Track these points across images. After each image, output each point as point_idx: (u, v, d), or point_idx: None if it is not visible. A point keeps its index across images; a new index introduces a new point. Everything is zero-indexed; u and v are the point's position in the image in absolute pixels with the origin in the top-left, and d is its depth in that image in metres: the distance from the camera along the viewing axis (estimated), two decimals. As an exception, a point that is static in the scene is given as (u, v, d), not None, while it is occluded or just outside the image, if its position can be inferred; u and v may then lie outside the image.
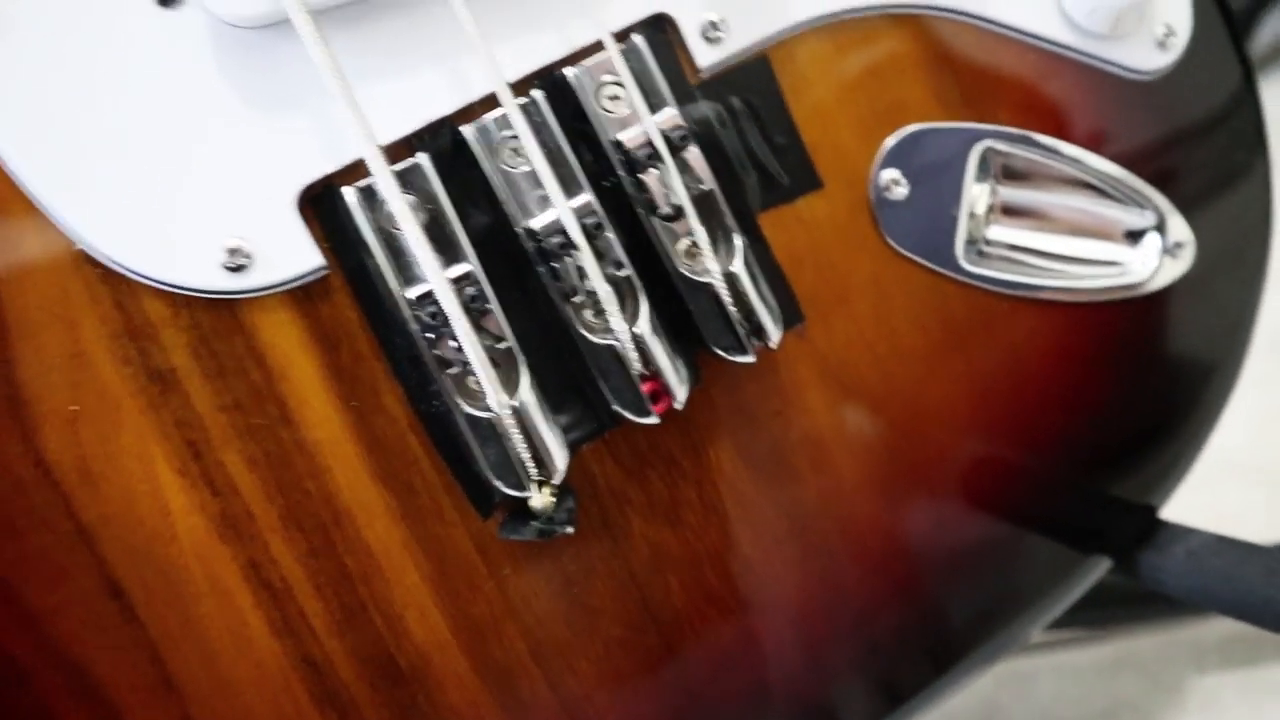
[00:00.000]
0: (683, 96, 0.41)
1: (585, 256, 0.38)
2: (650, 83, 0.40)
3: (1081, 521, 0.51)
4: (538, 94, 0.39)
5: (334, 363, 0.38)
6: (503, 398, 0.38)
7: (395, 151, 0.38)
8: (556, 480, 0.39)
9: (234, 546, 0.38)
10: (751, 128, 0.42)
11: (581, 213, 0.39)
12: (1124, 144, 0.48)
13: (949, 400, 0.46)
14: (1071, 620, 0.54)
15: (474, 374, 0.37)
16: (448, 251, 0.38)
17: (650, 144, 0.39)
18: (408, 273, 0.37)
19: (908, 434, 0.45)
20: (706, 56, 0.42)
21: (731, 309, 0.40)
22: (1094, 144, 0.47)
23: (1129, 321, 0.49)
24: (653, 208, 0.40)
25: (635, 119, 0.39)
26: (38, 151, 0.35)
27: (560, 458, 0.39)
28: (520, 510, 0.40)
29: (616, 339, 0.39)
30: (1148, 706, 0.65)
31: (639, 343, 0.39)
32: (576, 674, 0.42)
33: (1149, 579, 0.52)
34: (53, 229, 0.35)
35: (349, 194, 0.37)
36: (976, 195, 0.46)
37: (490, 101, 0.39)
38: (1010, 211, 0.47)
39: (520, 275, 0.39)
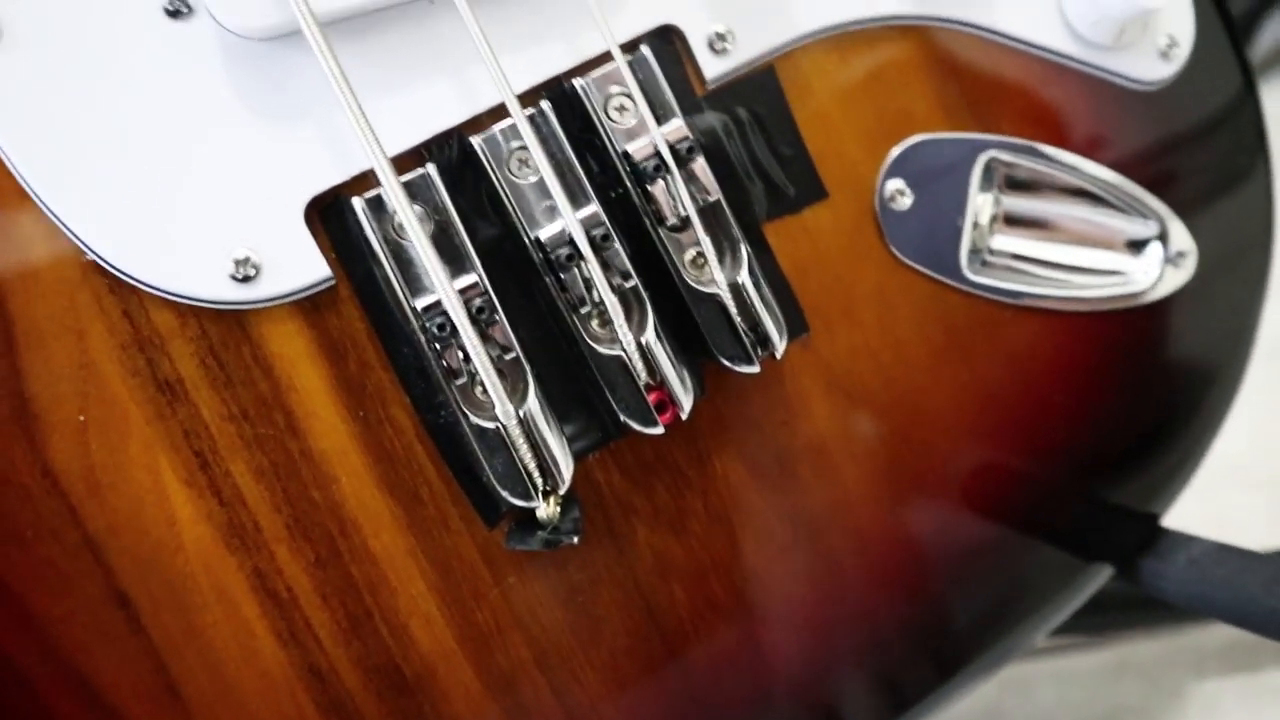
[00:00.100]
0: (689, 107, 0.41)
1: (592, 267, 0.39)
2: (657, 94, 0.40)
3: (1084, 529, 0.51)
4: (546, 105, 0.39)
5: (341, 373, 0.38)
6: (509, 408, 0.38)
7: (403, 162, 0.38)
8: (562, 490, 0.39)
9: (240, 556, 0.38)
10: (758, 138, 0.43)
11: (589, 223, 0.39)
12: (1126, 153, 0.48)
13: (953, 409, 0.46)
14: (1073, 626, 0.54)
15: (481, 384, 0.38)
16: (455, 262, 0.38)
17: (657, 155, 0.39)
18: (415, 283, 0.37)
19: (912, 443, 0.46)
20: (713, 68, 0.42)
21: (737, 319, 0.40)
22: (1097, 153, 0.47)
23: (1131, 330, 0.49)
24: (660, 218, 0.40)
25: (642, 130, 0.40)
26: (47, 162, 0.35)
27: (566, 467, 0.39)
28: (526, 520, 0.40)
29: (623, 349, 0.39)
30: (1149, 712, 0.65)
31: (645, 353, 0.39)
32: (581, 683, 0.42)
33: (1151, 586, 0.52)
34: (62, 239, 0.35)
35: (357, 204, 0.37)
36: (981, 205, 0.46)
37: (498, 112, 0.39)
38: (1013, 221, 0.47)
39: (527, 286, 0.39)
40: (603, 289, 0.39)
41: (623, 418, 0.40)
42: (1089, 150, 0.47)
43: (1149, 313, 0.49)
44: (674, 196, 0.40)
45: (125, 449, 0.36)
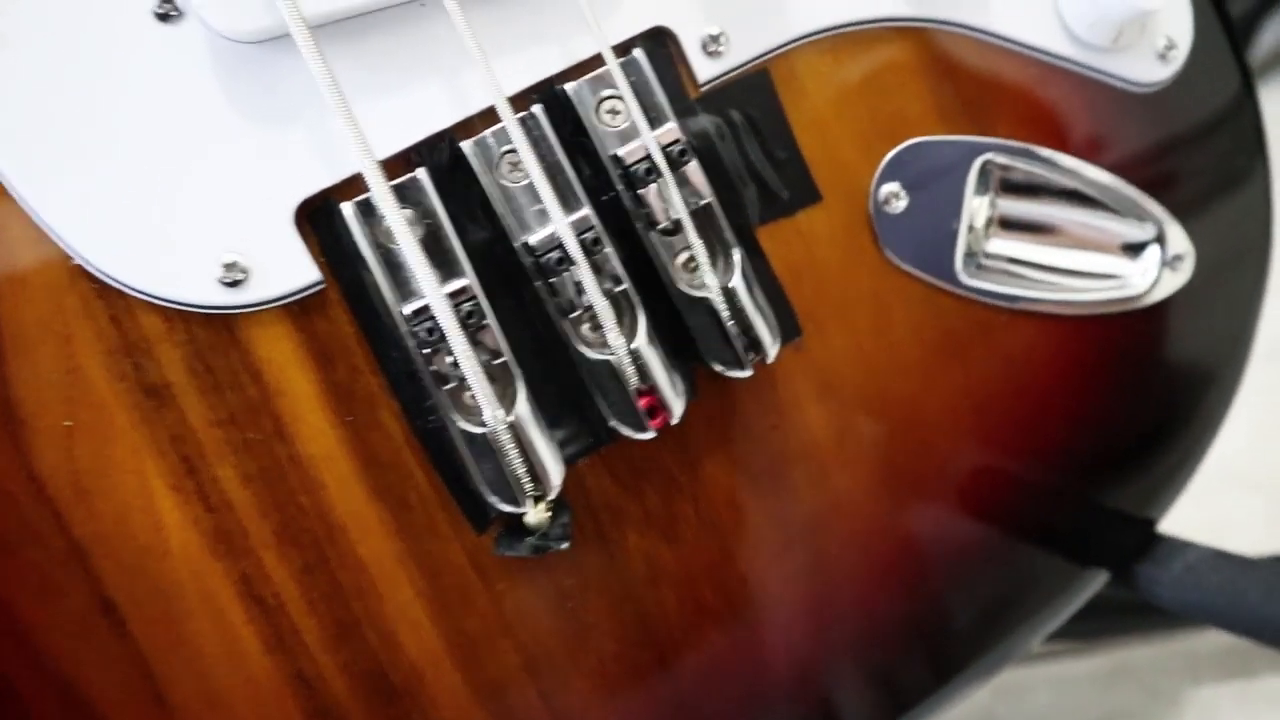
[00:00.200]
0: (682, 110, 0.41)
1: (583, 271, 0.38)
2: (650, 97, 0.40)
3: (1080, 534, 0.51)
4: (537, 108, 0.39)
5: (330, 378, 0.38)
6: (499, 413, 0.37)
7: (393, 166, 0.38)
8: (552, 496, 0.39)
9: (227, 562, 0.37)
10: (751, 141, 0.42)
11: (580, 227, 0.38)
12: (1123, 156, 0.48)
13: (947, 414, 0.46)
14: (1068, 631, 0.54)
15: (470, 389, 0.37)
16: (445, 266, 0.37)
17: (649, 158, 0.39)
18: (405, 288, 0.37)
19: (906, 447, 0.45)
20: (706, 70, 0.41)
21: (729, 324, 0.40)
22: (1094, 156, 0.47)
23: (1128, 334, 0.49)
24: (651, 222, 0.40)
25: (634, 133, 0.39)
26: (34, 165, 0.35)
27: (556, 473, 0.39)
28: (515, 526, 0.39)
29: (614, 354, 0.39)
30: (1144, 717, 0.65)
31: (636, 358, 0.39)
32: (571, 689, 0.42)
33: (1147, 592, 0.52)
34: (49, 243, 0.35)
35: (347, 209, 0.37)
36: (976, 208, 0.46)
37: (489, 115, 0.38)
38: (1009, 224, 0.47)
39: (517, 290, 0.39)
40: (593, 293, 0.38)
41: (613, 423, 0.40)
42: (1086, 153, 0.47)
43: (1146, 316, 0.49)
44: (666, 200, 0.39)
45: (112, 454, 0.36)
